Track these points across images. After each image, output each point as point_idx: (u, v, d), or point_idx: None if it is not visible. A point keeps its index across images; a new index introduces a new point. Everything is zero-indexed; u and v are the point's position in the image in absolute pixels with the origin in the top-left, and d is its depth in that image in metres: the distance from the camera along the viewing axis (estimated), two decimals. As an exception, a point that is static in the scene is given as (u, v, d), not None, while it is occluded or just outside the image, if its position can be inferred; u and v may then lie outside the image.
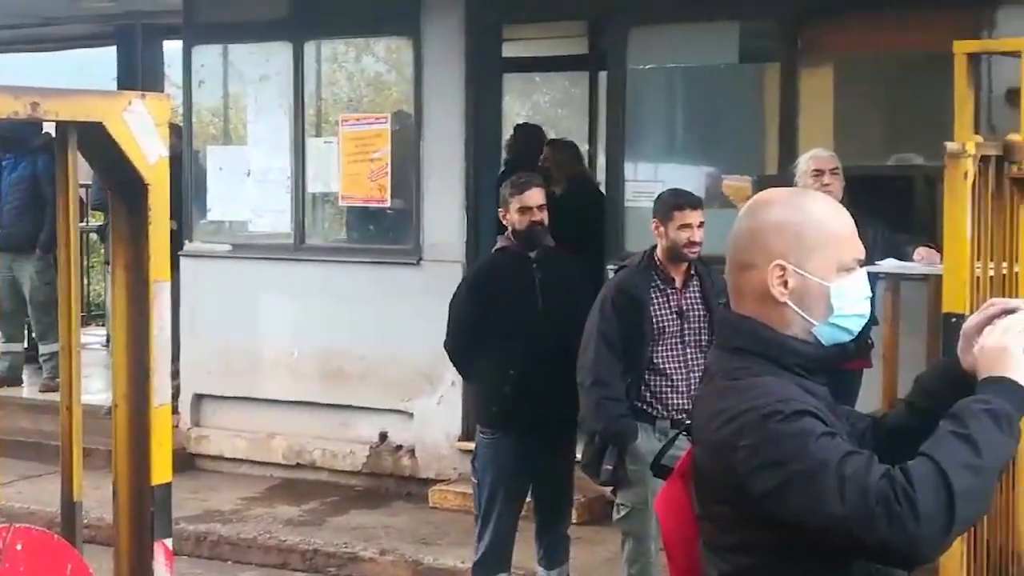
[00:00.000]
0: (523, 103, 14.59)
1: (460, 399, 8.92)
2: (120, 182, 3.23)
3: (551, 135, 11.40)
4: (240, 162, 9.99)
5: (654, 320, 5.96)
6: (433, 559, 7.79)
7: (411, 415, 9.26)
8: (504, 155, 10.27)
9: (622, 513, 6.05)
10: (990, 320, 2.63)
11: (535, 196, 6.38)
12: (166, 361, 3.25)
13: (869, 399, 6.78)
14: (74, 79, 13.33)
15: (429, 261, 9.12)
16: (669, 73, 8.93)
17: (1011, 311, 2.63)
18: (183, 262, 10.03)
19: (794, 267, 2.61)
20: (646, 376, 5.97)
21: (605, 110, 9.30)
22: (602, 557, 7.47)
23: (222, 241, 10.08)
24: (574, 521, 7.16)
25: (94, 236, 14.01)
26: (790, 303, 2.63)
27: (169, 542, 3.25)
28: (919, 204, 7.89)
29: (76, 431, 3.14)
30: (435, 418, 9.14)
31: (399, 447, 9.33)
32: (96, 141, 3.11)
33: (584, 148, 11.77)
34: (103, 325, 13.53)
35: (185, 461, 9.81)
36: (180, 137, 10.24)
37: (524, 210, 6.36)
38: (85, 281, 14.95)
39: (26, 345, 11.97)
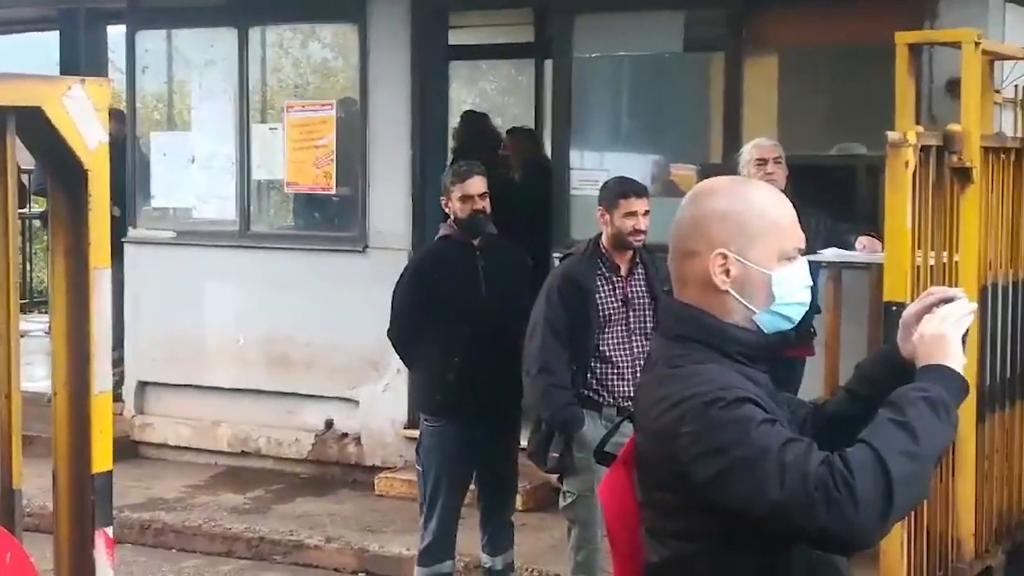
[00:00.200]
0: (470, 90, 14.57)
1: (406, 387, 8.90)
2: (59, 168, 3.19)
3: (498, 123, 11.40)
4: (184, 148, 9.93)
5: (600, 308, 5.97)
6: (379, 546, 7.78)
7: (357, 403, 9.24)
8: (451, 144, 10.26)
9: (568, 500, 6.06)
10: (929, 309, 2.66)
11: (477, 184, 6.38)
12: (106, 348, 3.23)
13: (811, 386, 6.84)
14: (16, 63, 13.17)
15: (375, 248, 9.10)
16: (615, 62, 8.94)
17: (949, 300, 2.66)
18: (127, 249, 9.96)
19: (736, 255, 2.63)
20: (592, 364, 5.98)
21: (551, 98, 9.31)
22: (547, 544, 7.49)
23: (166, 228, 10.02)
24: (519, 508, 7.18)
25: (36, 222, 13.86)
26: (732, 291, 2.65)
27: (110, 530, 3.23)
28: (861, 193, 7.95)
29: (15, 418, 3.11)
30: (381, 406, 9.13)
31: (345, 435, 9.32)
32: (35, 126, 3.08)
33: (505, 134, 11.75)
34: (47, 312, 13.40)
35: (129, 449, 9.76)
36: (123, 122, 10.16)
37: (466, 198, 6.35)
38: (28, 268, 14.82)
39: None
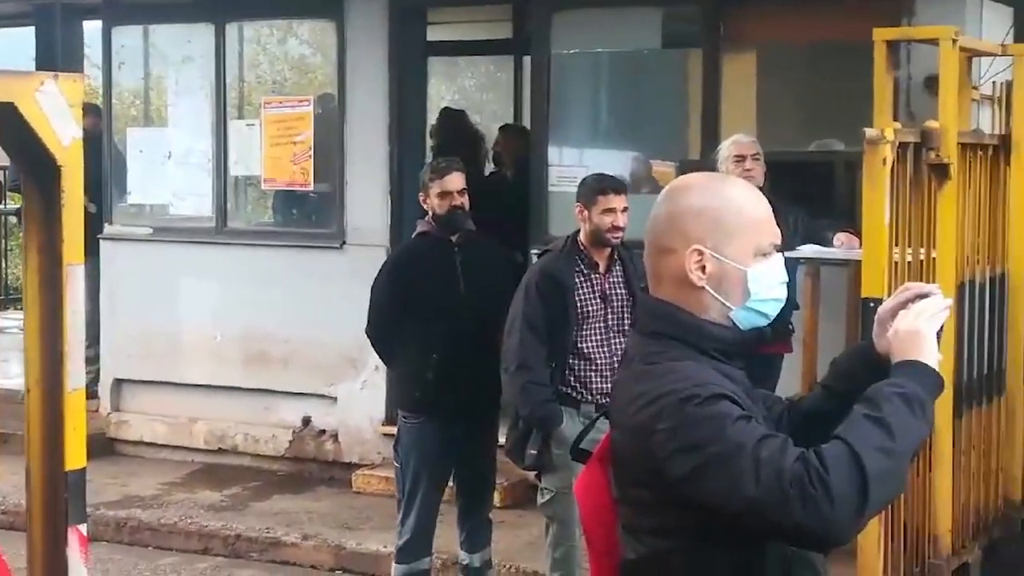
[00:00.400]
0: (448, 87, 14.55)
1: (384, 383, 8.89)
2: (33, 164, 3.17)
3: (476, 120, 11.38)
4: (161, 144, 9.89)
5: (578, 304, 5.97)
6: (356, 544, 7.77)
7: (334, 399, 9.22)
8: (430, 142, 10.25)
9: (546, 497, 6.05)
10: (904, 304, 2.66)
11: (455, 181, 6.37)
12: (80, 345, 3.21)
13: (789, 383, 6.84)
14: (-9, 59, 13.09)
15: (353, 245, 9.08)
16: (593, 58, 8.94)
17: (924, 296, 2.66)
18: (103, 245, 9.92)
19: (712, 252, 2.62)
20: (570, 360, 5.97)
21: (530, 95, 9.29)
22: (524, 541, 7.49)
23: (142, 224, 9.98)
24: (497, 505, 7.17)
25: (12, 219, 13.79)
26: (708, 287, 2.64)
27: (84, 528, 3.21)
28: (839, 190, 7.96)
29: (-12, 416, 3.09)
30: (358, 402, 9.11)
31: (322, 432, 9.30)
32: (7, 122, 3.05)
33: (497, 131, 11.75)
34: (22, 309, 13.33)
35: (105, 446, 9.73)
36: (99, 117, 10.12)
37: (444, 195, 6.34)
38: (4, 264, 14.74)
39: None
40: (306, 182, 9.31)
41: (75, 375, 3.18)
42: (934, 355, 2.56)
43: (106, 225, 9.97)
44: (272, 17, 9.90)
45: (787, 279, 2.72)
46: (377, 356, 7.01)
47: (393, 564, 6.53)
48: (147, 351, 9.81)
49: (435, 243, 6.43)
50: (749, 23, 8.34)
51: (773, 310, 2.69)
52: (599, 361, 5.97)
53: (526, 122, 10.33)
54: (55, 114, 3.08)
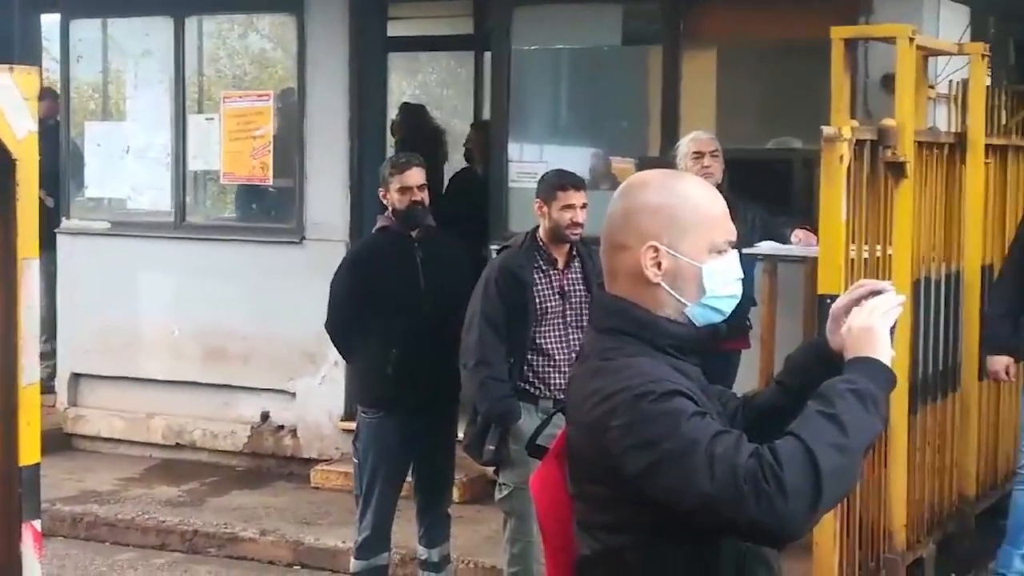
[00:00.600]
0: (409, 82, 14.52)
1: (343, 379, 8.88)
2: (-13, 157, 3.15)
3: (436, 115, 11.38)
4: (119, 138, 9.84)
5: (537, 300, 5.97)
6: (314, 539, 7.76)
7: (293, 395, 9.20)
8: (392, 138, 10.24)
9: (504, 493, 6.06)
10: (858, 301, 2.68)
11: (415, 176, 6.36)
12: (35, 340, 3.19)
13: (747, 379, 6.89)
14: (-52, 51, 12.99)
15: (312, 240, 9.06)
16: (553, 54, 8.96)
17: (878, 292, 2.67)
18: (60, 239, 9.87)
19: (667, 248, 2.63)
20: (529, 356, 5.98)
21: (490, 91, 9.29)
22: (483, 536, 7.50)
23: (101, 218, 9.93)
24: (456, 500, 7.18)
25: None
26: (663, 284, 2.65)
27: (38, 524, 3.19)
28: (797, 187, 8.00)
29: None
30: (317, 398, 9.09)
31: (281, 427, 9.28)
32: (-38, 115, 3.04)
33: (469, 128, 11.76)
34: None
35: (62, 441, 9.68)
36: (57, 100, 10.09)
37: (404, 190, 6.34)
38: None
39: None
40: (265, 177, 9.28)
41: (30, 370, 3.16)
42: (887, 351, 2.57)
43: (64, 219, 9.91)
44: (232, 11, 9.85)
45: (742, 276, 2.73)
46: (336, 351, 7.00)
47: (351, 559, 6.52)
48: (105, 346, 9.76)
49: (395, 238, 6.42)
50: (709, 20, 8.37)
51: (728, 307, 2.71)
52: (558, 357, 5.98)
53: (487, 118, 10.34)
54: (10, 107, 3.07)
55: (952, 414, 6.99)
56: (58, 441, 9.55)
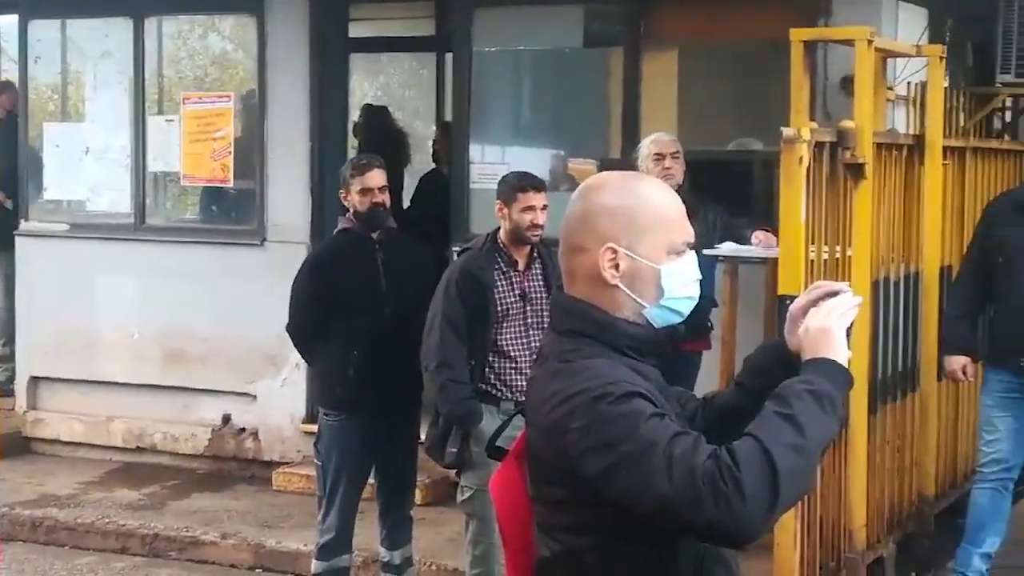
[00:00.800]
0: (371, 83, 14.50)
1: (304, 381, 8.85)
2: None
3: (398, 116, 11.36)
4: (78, 140, 9.78)
5: (498, 302, 5.98)
6: (276, 542, 7.73)
7: (254, 397, 9.17)
8: (353, 139, 10.20)
9: (466, 495, 6.06)
10: (815, 302, 2.69)
11: (376, 177, 6.35)
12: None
13: (708, 380, 6.90)
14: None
15: (273, 242, 9.03)
16: (514, 56, 8.96)
17: (835, 293, 2.68)
18: (19, 241, 9.80)
19: (625, 250, 2.63)
20: (490, 358, 5.98)
21: (451, 92, 9.29)
22: (445, 537, 7.49)
23: (60, 220, 9.86)
24: (418, 502, 7.16)
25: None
26: (621, 286, 2.65)
27: (-5, 529, 3.17)
28: (758, 188, 8.02)
29: None
30: (279, 400, 9.06)
31: (242, 429, 9.24)
32: (-84, 116, 3.01)
33: (431, 129, 11.75)
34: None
35: (21, 445, 9.62)
36: (17, 94, 10.04)
37: (365, 191, 6.33)
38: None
39: None
40: (226, 178, 9.24)
41: (-14, 374, 3.14)
42: (844, 352, 2.58)
43: (22, 221, 9.84)
44: (192, 12, 9.79)
45: (700, 277, 2.73)
46: (298, 353, 6.98)
47: (313, 561, 6.51)
48: (64, 349, 9.70)
49: (356, 240, 6.41)
50: (669, 22, 8.39)
51: (687, 308, 2.71)
52: (519, 359, 5.98)
53: (449, 119, 10.33)
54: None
55: (911, 414, 7.04)
56: (17, 445, 9.49)
